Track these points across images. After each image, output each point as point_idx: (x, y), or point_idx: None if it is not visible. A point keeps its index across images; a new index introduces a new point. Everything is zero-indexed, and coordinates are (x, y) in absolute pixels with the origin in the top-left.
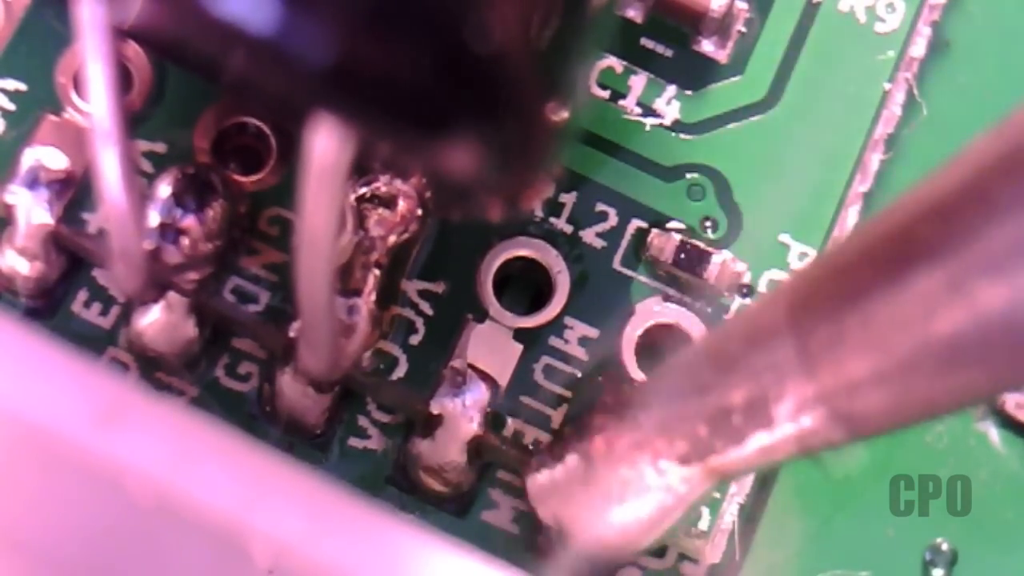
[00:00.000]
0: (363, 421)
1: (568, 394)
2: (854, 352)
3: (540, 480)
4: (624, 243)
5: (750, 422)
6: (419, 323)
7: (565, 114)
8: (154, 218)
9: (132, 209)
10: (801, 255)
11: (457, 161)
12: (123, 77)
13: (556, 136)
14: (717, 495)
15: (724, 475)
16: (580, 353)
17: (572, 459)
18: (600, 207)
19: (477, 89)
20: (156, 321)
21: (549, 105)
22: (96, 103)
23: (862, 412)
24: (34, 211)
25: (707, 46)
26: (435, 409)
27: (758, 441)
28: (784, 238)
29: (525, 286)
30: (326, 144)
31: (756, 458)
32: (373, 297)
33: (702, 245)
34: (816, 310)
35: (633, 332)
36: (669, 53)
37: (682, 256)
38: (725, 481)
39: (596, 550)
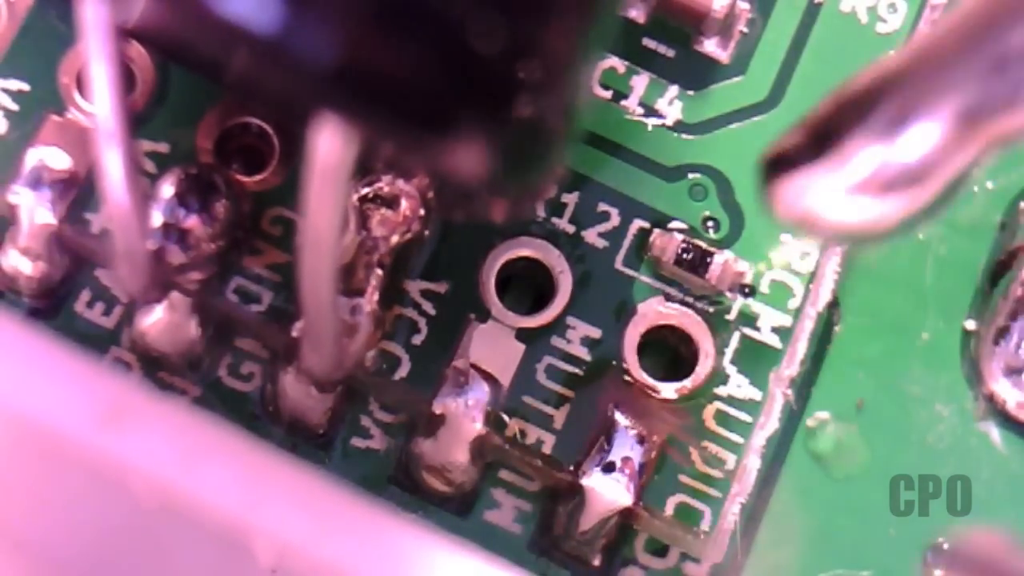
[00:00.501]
0: (366, 421)
1: (570, 393)
2: None
3: (781, 175)
4: (626, 243)
5: None
6: (422, 323)
7: (567, 117)
8: (157, 218)
9: (135, 209)
10: (802, 255)
11: (460, 162)
12: (126, 77)
13: (560, 138)
14: (719, 494)
15: (998, 142)
16: (582, 353)
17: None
18: (602, 207)
19: (481, 90)
20: (159, 321)
21: (552, 108)
22: (99, 103)
23: None
24: (37, 211)
25: (709, 46)
26: (437, 409)
27: None
28: (785, 238)
29: (527, 286)
30: (330, 144)
31: None
32: (376, 297)
33: (704, 245)
34: None
35: (635, 332)
36: (671, 53)
37: (684, 256)
38: (1004, 148)
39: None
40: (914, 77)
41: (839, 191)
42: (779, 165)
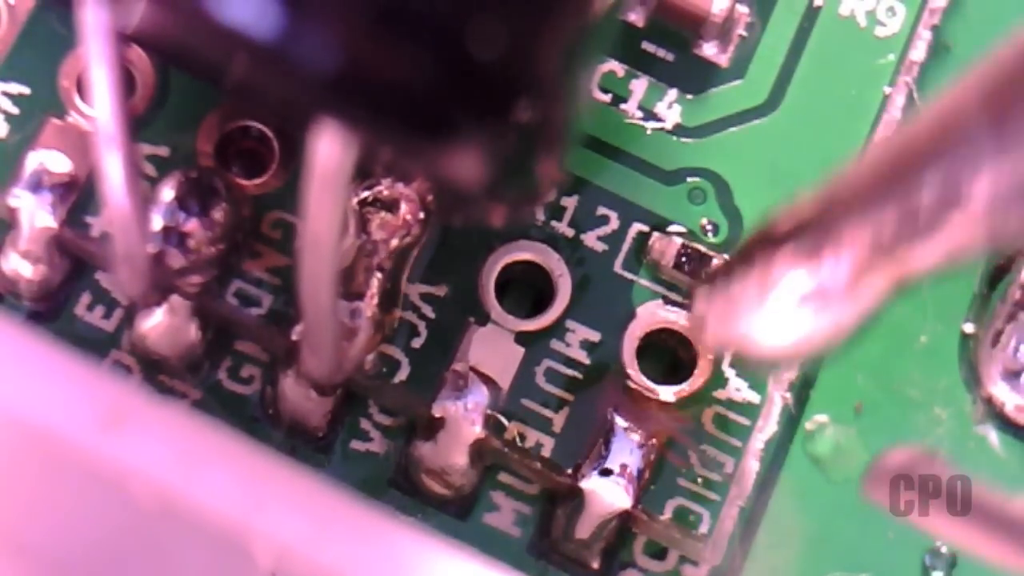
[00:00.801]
0: (365, 424)
1: (570, 397)
2: None
3: (710, 301)
4: (625, 247)
5: (939, 214)
6: (421, 326)
7: (567, 118)
8: (157, 222)
9: (135, 213)
10: None
11: (459, 168)
12: (126, 81)
13: (560, 142)
14: (717, 497)
15: (905, 281)
16: (582, 356)
17: (747, 273)
18: (601, 211)
19: (480, 95)
20: (159, 324)
21: (552, 110)
22: (99, 107)
23: None
24: (37, 214)
25: (708, 50)
26: (437, 412)
27: (947, 236)
28: None
29: (527, 289)
30: (329, 149)
31: (942, 256)
32: (375, 300)
33: (703, 249)
34: (1011, 88)
35: (634, 335)
36: (670, 57)
37: (683, 260)
38: (903, 288)
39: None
40: (829, 217)
41: (758, 319)
42: (710, 289)
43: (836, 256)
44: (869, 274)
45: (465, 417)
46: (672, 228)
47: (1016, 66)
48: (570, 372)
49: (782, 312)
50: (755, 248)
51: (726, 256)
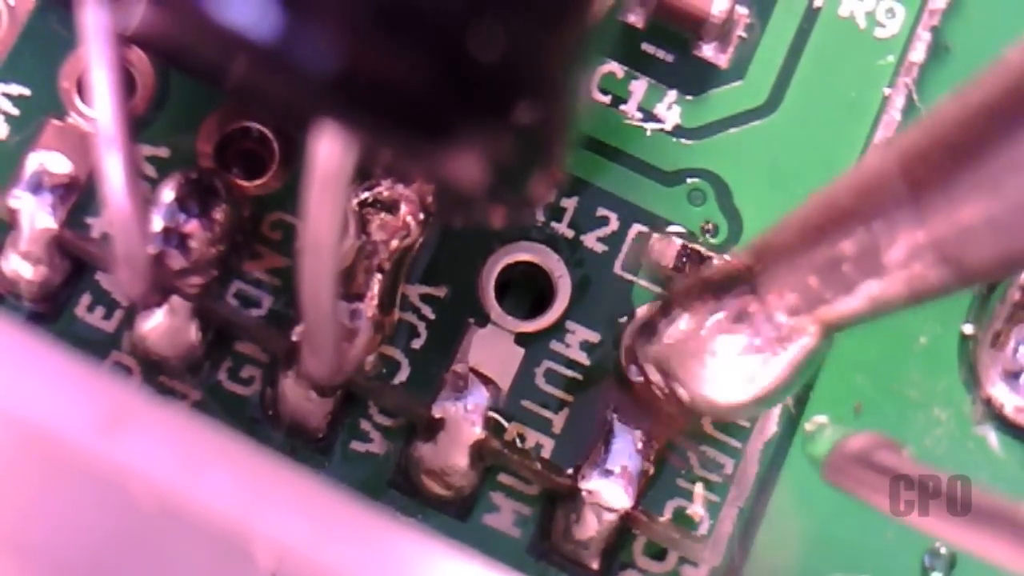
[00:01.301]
0: (365, 425)
1: (569, 398)
2: (966, 198)
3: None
4: (625, 247)
5: (860, 270)
6: (421, 327)
7: (567, 120)
8: (157, 223)
9: (135, 214)
10: None
11: (459, 169)
12: (127, 82)
13: (560, 143)
14: (717, 499)
15: (833, 327)
16: (581, 357)
17: (682, 317)
18: (601, 212)
19: (480, 97)
20: (159, 325)
21: (553, 112)
22: (100, 108)
23: (973, 257)
24: (38, 215)
25: (708, 51)
26: (437, 413)
27: (868, 289)
28: None
29: (526, 290)
30: (329, 150)
31: (866, 307)
32: (375, 301)
33: (703, 250)
34: (928, 158)
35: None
36: (670, 58)
37: (683, 260)
38: (831, 335)
39: (702, 411)
40: (761, 267)
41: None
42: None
43: (767, 305)
44: (800, 320)
45: (465, 418)
46: (672, 229)
47: (935, 134)
48: (570, 373)
49: (723, 365)
50: (688, 297)
51: (724, 257)
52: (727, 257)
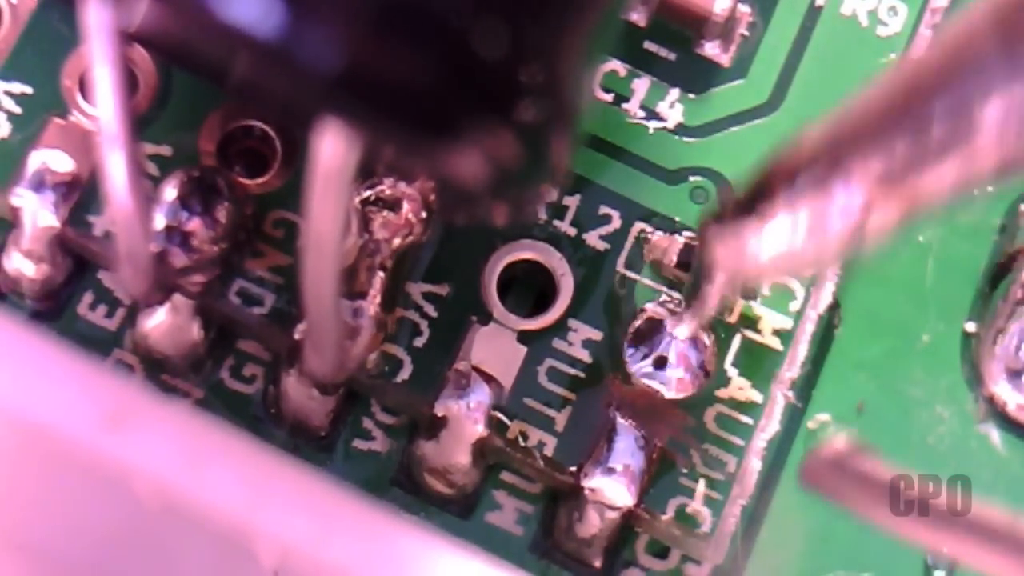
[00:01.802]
0: (368, 423)
1: (572, 396)
2: None
3: (720, 234)
4: (627, 246)
5: (952, 133)
6: (423, 325)
7: (570, 118)
8: (160, 221)
9: (138, 212)
10: None
11: (463, 167)
12: (129, 80)
13: (563, 142)
14: (720, 496)
15: (915, 204)
16: (584, 355)
17: (758, 206)
18: (604, 210)
19: (483, 95)
20: (161, 323)
21: (556, 110)
22: (102, 106)
23: None
24: (40, 214)
25: (710, 50)
26: (439, 411)
27: (957, 164)
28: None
29: (529, 288)
30: (332, 148)
31: (954, 178)
32: (378, 300)
33: None
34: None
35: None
36: (672, 57)
37: (685, 259)
38: (911, 217)
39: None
40: (839, 142)
41: (768, 243)
42: (720, 218)
43: (847, 187)
44: (880, 204)
45: (467, 416)
46: (674, 227)
47: None
48: (572, 371)
49: (791, 240)
50: (765, 181)
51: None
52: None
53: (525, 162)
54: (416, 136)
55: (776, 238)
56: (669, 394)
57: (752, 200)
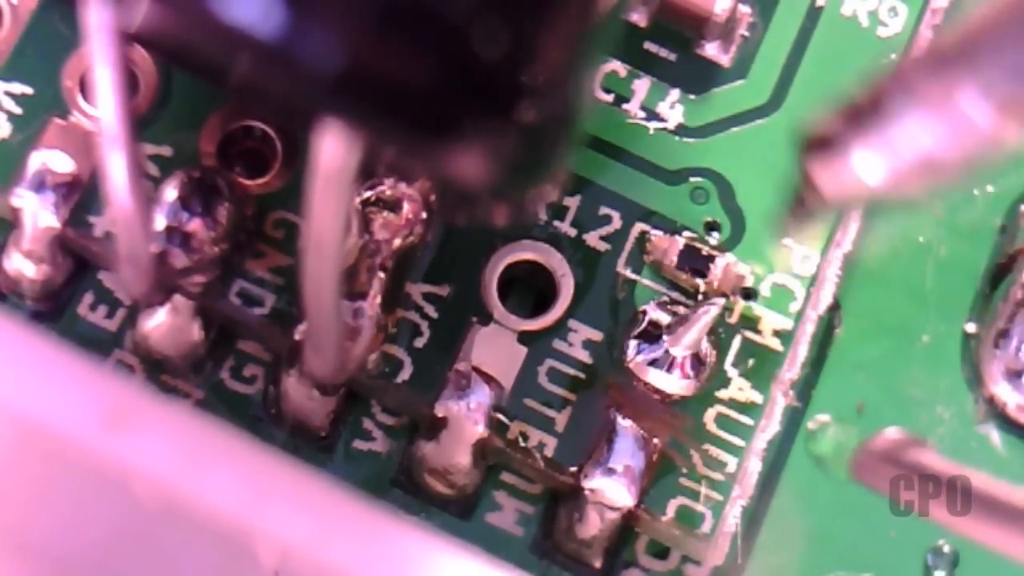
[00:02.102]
0: (368, 423)
1: (572, 396)
2: None
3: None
4: (628, 246)
5: None
6: (424, 326)
7: (570, 121)
8: (160, 221)
9: (138, 212)
10: (803, 258)
11: (463, 167)
12: (129, 81)
13: (563, 142)
14: (720, 497)
15: None
16: (584, 356)
17: (859, 119)
18: (604, 210)
19: (483, 95)
20: (162, 324)
21: (554, 113)
22: (103, 107)
23: None
24: (40, 214)
25: (710, 50)
26: (440, 412)
27: None
28: (786, 241)
29: (529, 289)
30: (333, 149)
31: None
32: (378, 300)
33: (705, 248)
34: None
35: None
36: (672, 57)
37: (685, 259)
38: None
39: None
40: (962, 54)
41: (883, 163)
42: (824, 143)
43: (978, 87)
44: (1014, 108)
45: (468, 417)
46: (674, 228)
47: None
48: (572, 372)
49: (904, 162)
50: (876, 90)
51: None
52: (729, 256)
53: (525, 163)
54: (417, 137)
55: (894, 152)
56: (669, 395)
57: (860, 112)
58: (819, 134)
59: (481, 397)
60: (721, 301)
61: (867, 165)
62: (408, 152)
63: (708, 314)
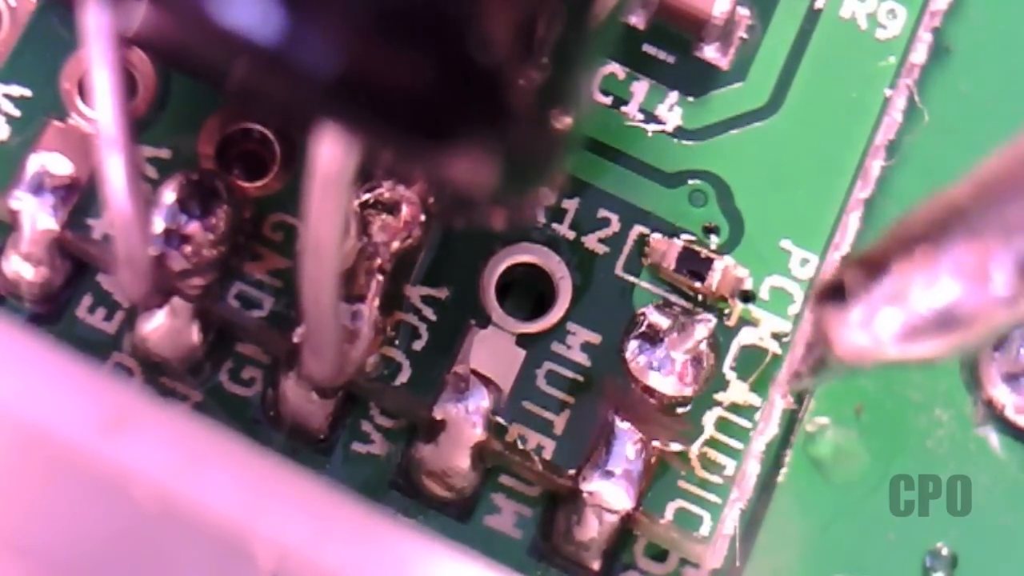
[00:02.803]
0: (366, 426)
1: (571, 399)
2: None
3: (838, 304)
4: (626, 249)
5: None
6: (422, 329)
7: (568, 122)
8: (159, 224)
9: (137, 215)
10: (803, 261)
11: (461, 171)
12: (128, 83)
13: (560, 145)
14: (718, 500)
15: None
16: (582, 359)
17: (879, 274)
18: (602, 213)
19: (481, 99)
20: (160, 326)
21: (553, 114)
22: (101, 109)
23: None
24: (39, 217)
25: (709, 52)
26: (438, 414)
27: None
28: (786, 244)
29: (528, 292)
30: (331, 152)
31: None
32: (377, 303)
33: (704, 251)
34: None
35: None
36: (671, 59)
37: (684, 262)
38: None
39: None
40: (981, 217)
41: (898, 326)
42: (835, 297)
43: (1003, 253)
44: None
45: (466, 419)
46: (673, 230)
47: None
48: (571, 374)
49: (919, 326)
50: (894, 241)
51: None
52: (728, 259)
53: (523, 166)
54: (414, 140)
55: (914, 310)
56: (667, 397)
57: (879, 266)
58: (836, 285)
59: (480, 400)
60: (712, 320)
61: (885, 325)
62: (405, 156)
63: (704, 327)
